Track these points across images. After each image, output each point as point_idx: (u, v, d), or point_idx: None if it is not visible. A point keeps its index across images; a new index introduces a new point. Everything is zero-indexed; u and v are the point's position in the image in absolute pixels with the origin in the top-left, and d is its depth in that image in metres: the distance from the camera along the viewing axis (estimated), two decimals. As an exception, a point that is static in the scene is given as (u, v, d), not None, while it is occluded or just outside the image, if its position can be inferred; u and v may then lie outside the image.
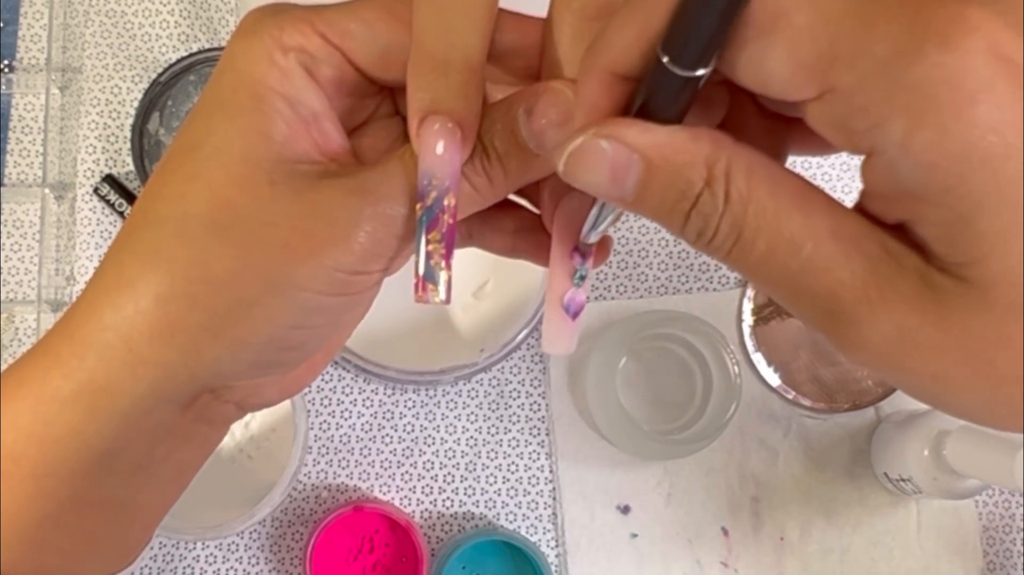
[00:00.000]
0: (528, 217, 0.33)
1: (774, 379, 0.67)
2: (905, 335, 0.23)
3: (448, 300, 0.29)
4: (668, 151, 0.24)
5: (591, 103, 0.26)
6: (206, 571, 0.66)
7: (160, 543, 0.66)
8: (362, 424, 0.67)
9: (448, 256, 0.29)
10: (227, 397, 0.31)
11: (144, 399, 0.29)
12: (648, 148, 0.25)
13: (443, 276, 0.29)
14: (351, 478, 0.67)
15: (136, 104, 0.67)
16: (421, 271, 0.28)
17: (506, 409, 0.68)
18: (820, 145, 0.29)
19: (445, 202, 0.28)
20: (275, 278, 0.28)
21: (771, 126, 0.29)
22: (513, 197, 0.33)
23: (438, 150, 0.28)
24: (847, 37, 0.22)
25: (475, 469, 0.67)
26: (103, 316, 0.28)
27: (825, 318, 0.24)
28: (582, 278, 0.31)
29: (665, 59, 0.24)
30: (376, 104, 0.32)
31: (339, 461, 0.67)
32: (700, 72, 0.24)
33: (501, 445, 0.67)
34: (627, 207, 0.26)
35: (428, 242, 0.28)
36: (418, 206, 0.28)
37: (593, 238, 0.30)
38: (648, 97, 0.25)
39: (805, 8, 0.23)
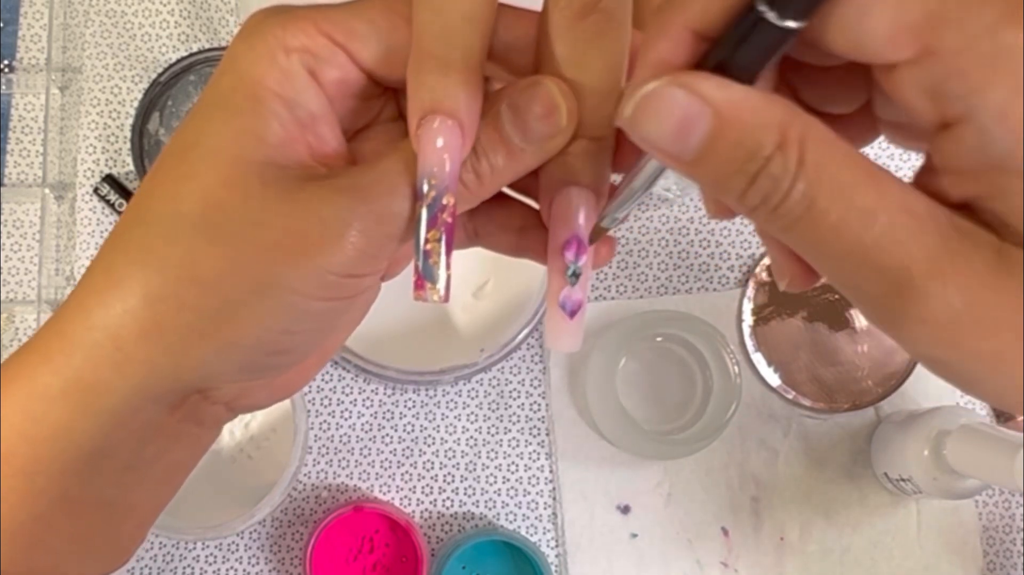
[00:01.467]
0: (533, 215, 0.33)
1: (774, 379, 0.67)
2: (972, 310, 0.23)
3: (447, 299, 0.29)
4: (743, 109, 0.24)
5: (661, 59, 0.26)
6: (206, 571, 0.66)
7: (160, 543, 0.66)
8: (362, 424, 0.67)
9: (448, 255, 0.29)
10: (216, 398, 0.31)
11: (131, 398, 0.29)
12: (723, 103, 0.24)
13: (442, 275, 0.29)
14: (351, 478, 0.67)
15: (136, 104, 0.67)
16: (420, 269, 0.29)
17: (506, 409, 0.68)
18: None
19: (444, 201, 0.28)
20: (265, 279, 0.27)
21: None
22: (518, 195, 0.33)
23: (437, 149, 0.28)
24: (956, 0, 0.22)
25: (475, 469, 0.67)
26: (91, 314, 0.28)
27: (890, 292, 0.24)
28: (575, 275, 0.31)
29: (765, 8, 0.23)
30: (380, 106, 0.32)
31: (339, 461, 0.67)
32: (797, 25, 0.23)
33: (501, 445, 0.67)
34: (681, 166, 0.25)
35: (427, 241, 0.28)
36: (417, 205, 0.28)
37: (607, 223, 0.30)
38: (728, 53, 0.25)
39: None
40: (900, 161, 0.69)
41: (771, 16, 0.23)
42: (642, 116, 0.25)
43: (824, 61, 0.26)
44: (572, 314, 0.31)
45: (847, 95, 0.28)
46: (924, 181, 0.25)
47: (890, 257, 0.24)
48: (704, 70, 0.25)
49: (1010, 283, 0.23)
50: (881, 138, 0.30)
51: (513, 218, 0.33)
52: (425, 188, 0.28)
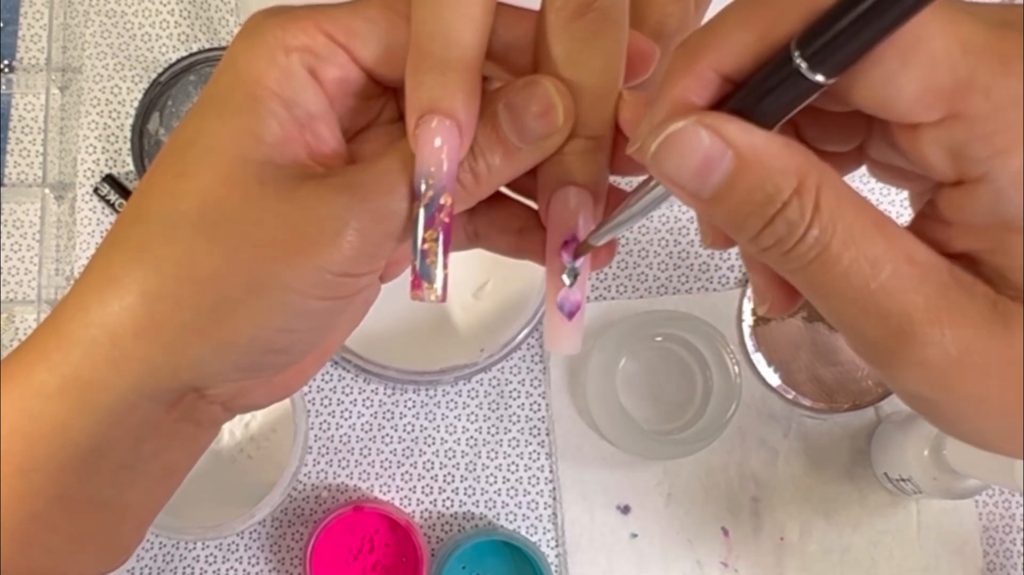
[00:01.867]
0: (533, 216, 0.33)
1: (774, 379, 0.67)
2: (966, 357, 0.25)
3: (444, 299, 0.29)
4: (764, 154, 0.25)
5: (682, 99, 0.26)
6: (206, 571, 0.66)
7: (160, 543, 0.66)
8: (362, 424, 0.67)
9: (445, 255, 0.29)
10: (213, 397, 0.31)
11: (128, 396, 0.29)
12: (745, 147, 0.25)
13: (439, 274, 0.29)
14: (351, 478, 0.67)
15: (136, 104, 0.67)
16: (417, 269, 0.29)
17: (506, 409, 0.68)
18: None
19: (442, 201, 0.28)
20: (261, 277, 0.27)
21: None
22: (518, 196, 0.33)
23: (435, 149, 0.28)
24: (986, 68, 0.24)
25: (475, 469, 0.67)
26: (89, 311, 0.28)
27: (890, 335, 0.25)
28: (573, 276, 0.31)
29: (800, 62, 0.23)
30: (380, 107, 0.32)
31: (339, 461, 0.67)
32: (828, 80, 0.24)
33: (501, 445, 0.67)
34: (699, 205, 0.26)
35: (424, 240, 0.28)
36: (414, 205, 0.28)
37: (602, 241, 0.30)
38: (755, 100, 0.25)
39: (947, 36, 0.24)
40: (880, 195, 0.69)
41: (804, 69, 0.24)
42: (666, 154, 0.25)
43: (832, 107, 0.27)
44: (570, 315, 0.31)
45: (845, 137, 0.29)
46: (922, 228, 0.27)
47: (893, 303, 0.25)
48: (724, 111, 0.25)
49: (1003, 333, 0.25)
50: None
51: (513, 219, 0.33)
52: (423, 188, 0.28)
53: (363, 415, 0.67)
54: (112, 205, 0.67)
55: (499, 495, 0.67)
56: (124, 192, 0.67)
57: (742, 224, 0.25)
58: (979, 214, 0.25)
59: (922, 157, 0.25)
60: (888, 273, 0.24)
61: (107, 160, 0.68)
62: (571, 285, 0.31)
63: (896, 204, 0.69)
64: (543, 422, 0.68)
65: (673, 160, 0.25)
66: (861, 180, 0.67)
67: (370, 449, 0.67)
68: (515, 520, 0.67)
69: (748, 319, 0.68)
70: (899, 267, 0.25)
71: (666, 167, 0.25)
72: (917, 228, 0.27)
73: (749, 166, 0.25)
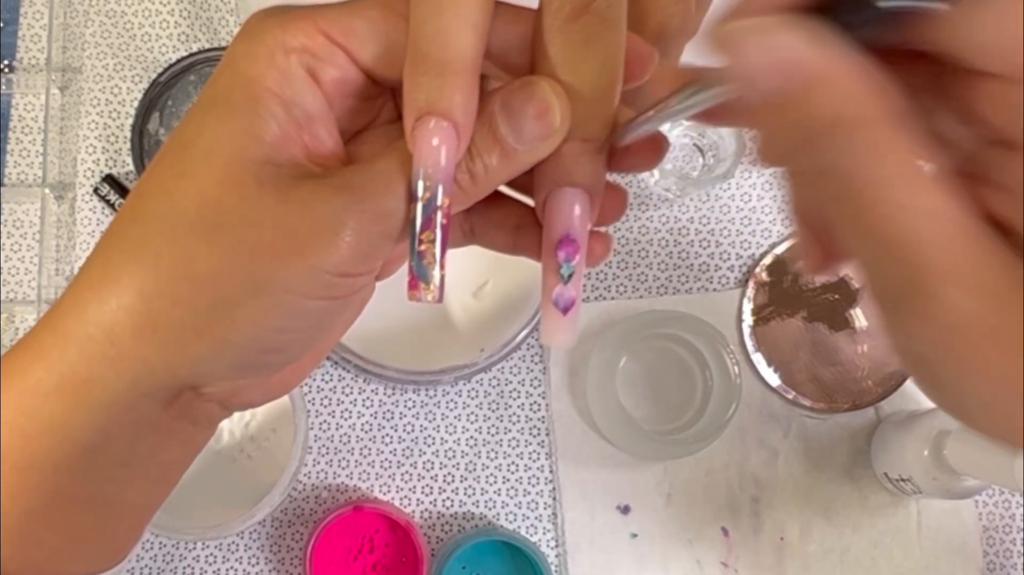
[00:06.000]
0: (529, 213, 0.33)
1: (774, 379, 0.67)
2: (973, 321, 0.24)
3: (440, 299, 0.29)
4: (838, 74, 0.24)
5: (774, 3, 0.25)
6: (206, 571, 0.66)
7: (160, 543, 0.66)
8: (362, 424, 0.67)
9: (442, 255, 0.29)
10: (210, 396, 0.31)
11: (125, 394, 0.29)
12: (828, 62, 0.24)
13: (436, 275, 0.29)
14: (351, 478, 0.67)
15: (136, 104, 0.67)
16: (414, 269, 0.29)
17: (506, 409, 0.68)
18: None
19: (439, 201, 0.28)
20: (258, 278, 0.27)
21: None
22: (516, 194, 0.33)
23: (433, 150, 0.28)
24: None
25: (475, 469, 0.67)
26: (86, 310, 0.28)
27: (904, 283, 0.24)
28: (569, 274, 0.31)
29: None
30: (379, 107, 0.32)
31: (339, 461, 0.67)
32: (902, 4, 0.23)
33: (501, 445, 0.67)
34: (762, 110, 0.25)
35: (421, 241, 0.28)
36: (412, 205, 0.28)
37: (627, 140, 0.30)
38: (860, 17, 0.24)
39: None
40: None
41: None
42: (747, 45, 0.24)
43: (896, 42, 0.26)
44: (565, 311, 0.31)
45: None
46: (966, 186, 0.26)
47: (914, 253, 0.24)
48: (814, 19, 0.24)
49: (1017, 305, 0.24)
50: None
51: (509, 216, 0.33)
52: (420, 188, 0.28)
53: (363, 415, 0.67)
54: (112, 205, 0.67)
55: (499, 495, 0.67)
56: (124, 192, 0.67)
57: (789, 136, 0.25)
58: None
59: (984, 111, 0.24)
60: (916, 222, 0.24)
61: (107, 160, 0.68)
62: (567, 282, 0.31)
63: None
64: (543, 422, 0.68)
65: (751, 55, 0.24)
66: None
67: (370, 449, 0.67)
68: (515, 520, 0.67)
69: (748, 319, 0.68)
70: (928, 220, 0.24)
71: (749, 60, 0.24)
72: (960, 185, 0.26)
73: (825, 82, 0.24)
